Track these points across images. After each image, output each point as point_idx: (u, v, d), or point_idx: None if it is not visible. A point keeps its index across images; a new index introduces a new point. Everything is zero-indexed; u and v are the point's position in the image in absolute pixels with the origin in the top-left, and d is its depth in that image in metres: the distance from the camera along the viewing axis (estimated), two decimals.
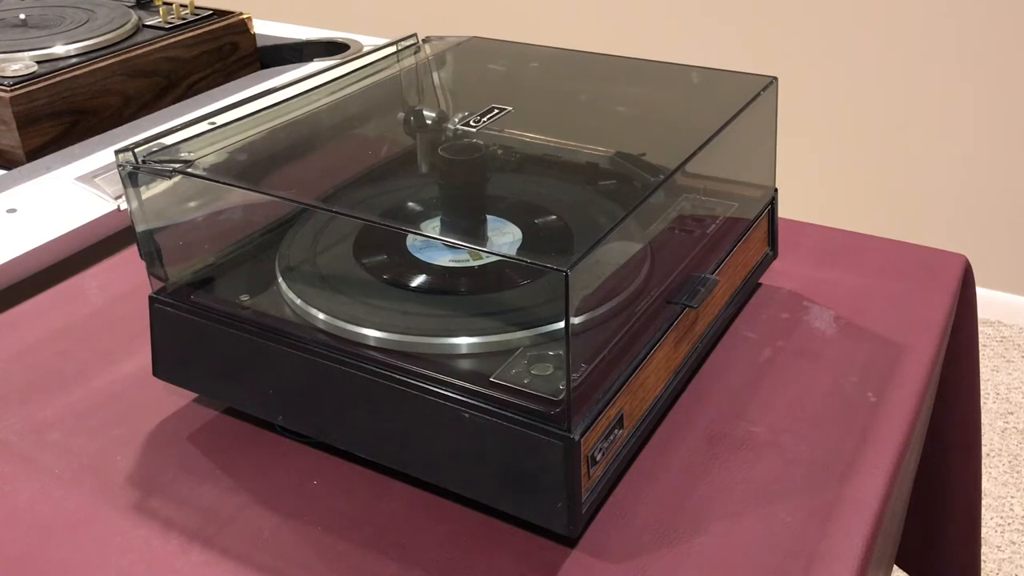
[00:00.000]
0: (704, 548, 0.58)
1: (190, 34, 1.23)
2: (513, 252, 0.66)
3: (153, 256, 0.67)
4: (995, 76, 2.02)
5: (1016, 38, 1.97)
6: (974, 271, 0.87)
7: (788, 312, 0.80)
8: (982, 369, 2.05)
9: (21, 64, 1.09)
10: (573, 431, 0.54)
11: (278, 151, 0.76)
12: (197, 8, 1.30)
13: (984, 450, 1.84)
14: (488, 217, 0.70)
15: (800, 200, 2.30)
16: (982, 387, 1.99)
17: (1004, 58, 1.99)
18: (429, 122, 0.80)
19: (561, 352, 0.58)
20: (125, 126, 1.13)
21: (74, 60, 1.13)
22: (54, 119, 1.09)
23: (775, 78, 0.77)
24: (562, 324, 0.52)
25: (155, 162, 0.65)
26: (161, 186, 0.65)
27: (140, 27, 1.24)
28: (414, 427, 0.59)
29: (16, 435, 0.69)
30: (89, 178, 0.99)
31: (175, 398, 0.72)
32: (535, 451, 0.54)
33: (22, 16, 1.23)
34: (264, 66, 1.35)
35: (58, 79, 1.09)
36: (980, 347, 2.09)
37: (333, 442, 0.64)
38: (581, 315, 0.59)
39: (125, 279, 0.87)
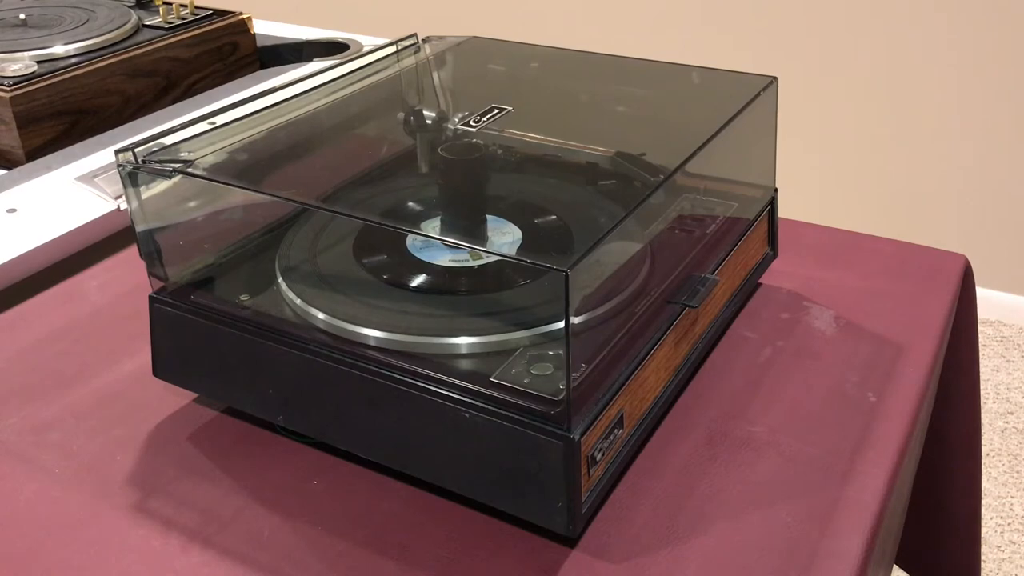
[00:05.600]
0: (704, 548, 0.58)
1: (190, 34, 1.23)
2: (513, 252, 0.66)
3: (153, 256, 0.67)
4: (995, 76, 2.02)
5: (1016, 38, 1.97)
6: (974, 271, 0.87)
7: (788, 312, 0.80)
8: (982, 369, 2.05)
9: (21, 64, 1.09)
10: (573, 431, 0.54)
11: (278, 151, 0.76)
12: (197, 8, 1.30)
13: (984, 450, 1.84)
14: (488, 217, 0.70)
15: (800, 200, 2.29)
16: (982, 387, 1.99)
17: (1004, 58, 1.99)
18: (429, 122, 0.80)
19: (561, 352, 0.58)
20: (125, 126, 1.13)
21: (74, 60, 1.13)
22: (54, 119, 1.09)
23: (775, 78, 0.77)
24: (562, 324, 0.52)
25: (155, 162, 0.65)
26: (161, 186, 0.65)
27: (140, 27, 1.24)
28: (414, 427, 0.59)
29: (16, 435, 0.69)
30: (89, 178, 0.99)
31: (175, 398, 0.72)
32: (535, 451, 0.54)
33: (22, 16, 1.23)
34: (264, 66, 1.35)
35: (58, 79, 1.08)
36: (980, 347, 2.09)
37: (333, 442, 0.64)
38: (581, 315, 0.59)
39: (125, 279, 0.87)
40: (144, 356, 0.74)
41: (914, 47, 2.07)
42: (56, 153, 1.06)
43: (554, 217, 0.71)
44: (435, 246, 0.68)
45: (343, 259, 0.69)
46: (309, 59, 1.36)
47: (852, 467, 0.64)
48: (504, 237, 0.68)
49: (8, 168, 1.04)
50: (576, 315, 0.57)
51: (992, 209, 2.14)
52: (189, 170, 0.65)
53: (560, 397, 0.55)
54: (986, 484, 1.76)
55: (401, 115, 0.83)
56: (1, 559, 0.59)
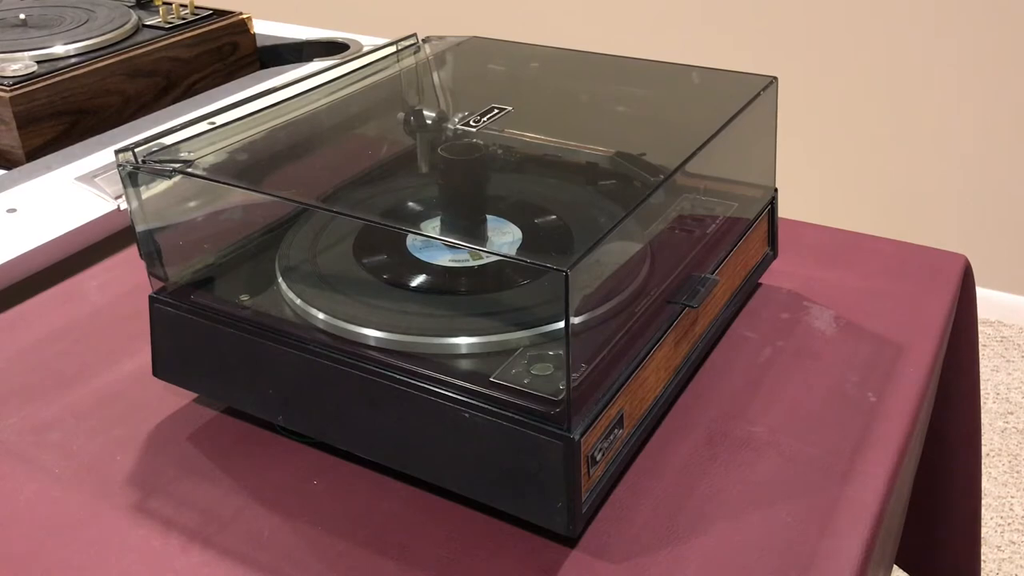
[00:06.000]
0: (704, 548, 0.58)
1: (190, 34, 1.23)
2: (513, 252, 0.66)
3: (153, 256, 0.67)
4: (995, 76, 2.02)
5: (1016, 39, 1.97)
6: (974, 271, 0.87)
7: (788, 312, 0.80)
8: (982, 369, 2.05)
9: (21, 64, 1.09)
10: (573, 431, 0.54)
11: (278, 151, 0.76)
12: (197, 8, 1.30)
13: (984, 450, 1.84)
14: (488, 217, 0.70)
15: (800, 200, 2.29)
16: (982, 387, 1.99)
17: (1004, 58, 1.99)
18: (429, 122, 0.80)
19: (561, 352, 0.58)
20: (125, 126, 1.13)
21: (74, 60, 1.13)
22: (54, 119, 1.09)
23: (775, 78, 0.77)
24: (562, 324, 0.52)
25: (155, 162, 0.65)
26: (161, 186, 0.65)
27: (140, 27, 1.24)
28: (414, 427, 0.59)
29: (16, 435, 0.69)
30: (89, 178, 0.99)
31: (175, 398, 0.72)
32: (535, 451, 0.54)
33: (22, 16, 1.23)
34: (264, 66, 1.35)
35: (58, 79, 1.08)
36: (980, 347, 2.09)
37: (333, 442, 0.64)
38: (581, 315, 0.59)
39: (125, 279, 0.87)
40: (144, 356, 0.74)
41: (914, 47, 2.07)
42: (56, 153, 1.06)
43: (554, 217, 0.71)
44: (435, 246, 0.68)
45: (343, 259, 0.69)
46: (309, 59, 1.36)
47: (852, 467, 0.64)
48: (504, 237, 0.68)
49: (8, 168, 1.04)
50: (576, 315, 0.57)
51: (992, 209, 2.14)
52: (189, 170, 0.65)
53: (560, 397, 0.55)
54: (986, 484, 1.76)
55: (401, 115, 0.83)
56: (1, 559, 0.59)
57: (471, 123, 0.76)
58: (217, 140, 0.69)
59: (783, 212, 0.84)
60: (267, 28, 1.45)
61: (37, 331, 0.80)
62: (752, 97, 0.74)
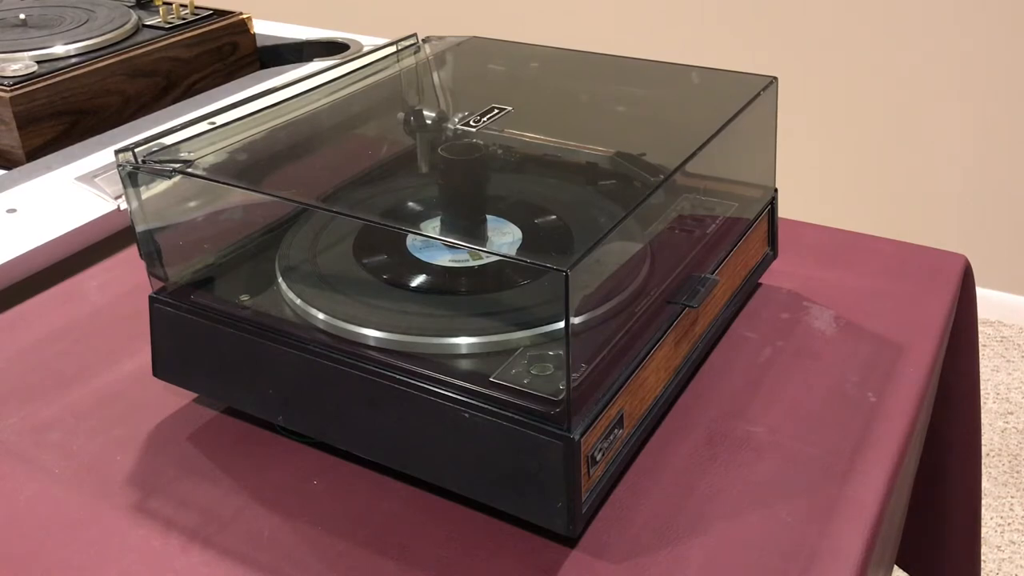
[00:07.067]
0: (704, 548, 0.58)
1: (190, 34, 1.23)
2: (513, 252, 0.66)
3: (153, 256, 0.67)
4: (995, 76, 2.02)
5: (1016, 39, 1.97)
6: (974, 271, 0.87)
7: (788, 312, 0.80)
8: (982, 369, 2.05)
9: (21, 64, 1.09)
10: (573, 431, 0.54)
11: (278, 151, 0.76)
12: (197, 8, 1.30)
13: (984, 450, 1.84)
14: (488, 217, 0.70)
15: (800, 200, 2.29)
16: (982, 387, 1.99)
17: (1004, 57, 1.99)
18: (429, 122, 0.80)
19: (561, 352, 0.58)
20: (125, 126, 1.13)
21: (74, 60, 1.13)
22: (54, 119, 1.09)
23: (775, 78, 0.77)
24: (562, 324, 0.52)
25: (155, 162, 0.65)
26: (161, 186, 0.65)
27: (140, 27, 1.24)
28: (414, 427, 0.59)
29: (16, 435, 0.69)
30: (89, 178, 0.99)
31: (175, 398, 0.72)
32: (535, 451, 0.54)
33: (22, 16, 1.23)
34: (264, 66, 1.35)
35: (58, 79, 1.08)
36: (980, 347, 2.08)
37: (333, 442, 0.64)
38: (581, 315, 0.59)
39: (125, 279, 0.87)
40: (144, 356, 0.74)
41: (914, 47, 2.07)
42: (56, 153, 1.06)
43: (554, 217, 0.71)
44: (435, 246, 0.68)
45: (343, 259, 0.69)
46: (309, 59, 1.36)
47: (852, 467, 0.64)
48: (504, 237, 0.68)
49: (8, 168, 1.04)
50: (576, 315, 0.57)
51: (992, 209, 2.14)
52: (189, 170, 0.65)
53: (560, 397, 0.55)
54: (986, 484, 1.76)
55: (401, 115, 0.83)
56: (1, 559, 0.59)
57: (471, 123, 0.76)
58: (217, 140, 0.69)
59: (783, 212, 0.84)
60: (267, 28, 1.45)
61: (37, 331, 0.80)
62: (752, 97, 0.74)
